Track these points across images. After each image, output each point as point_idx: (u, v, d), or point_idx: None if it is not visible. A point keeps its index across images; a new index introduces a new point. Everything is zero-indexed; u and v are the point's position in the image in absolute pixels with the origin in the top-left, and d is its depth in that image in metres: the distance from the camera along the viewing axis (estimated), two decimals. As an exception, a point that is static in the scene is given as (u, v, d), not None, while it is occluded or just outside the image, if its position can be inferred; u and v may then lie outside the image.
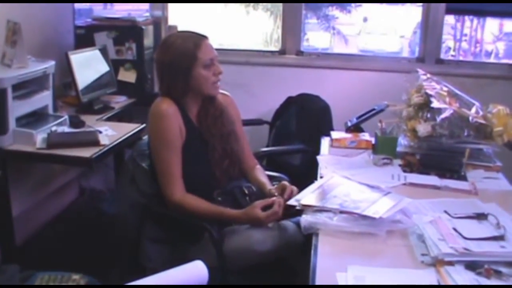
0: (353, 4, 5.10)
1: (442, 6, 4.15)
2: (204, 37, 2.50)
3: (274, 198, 2.35)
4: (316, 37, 5.24)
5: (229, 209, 2.39)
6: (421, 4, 4.29)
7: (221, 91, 2.64)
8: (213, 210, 2.39)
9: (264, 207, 2.31)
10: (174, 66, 2.45)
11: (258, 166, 2.74)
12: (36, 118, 3.24)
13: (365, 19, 5.47)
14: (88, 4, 4.65)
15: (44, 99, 3.29)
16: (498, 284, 1.63)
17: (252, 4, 5.19)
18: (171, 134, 2.44)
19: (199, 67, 2.44)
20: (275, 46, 4.68)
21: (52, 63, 3.30)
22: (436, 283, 1.65)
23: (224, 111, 2.61)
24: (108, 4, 4.85)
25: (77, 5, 4.32)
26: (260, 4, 5.20)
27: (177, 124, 2.45)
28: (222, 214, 2.38)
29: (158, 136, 2.47)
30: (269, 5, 5.08)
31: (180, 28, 4.31)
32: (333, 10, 5.19)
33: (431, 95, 2.70)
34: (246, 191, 2.54)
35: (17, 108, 3.02)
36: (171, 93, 2.48)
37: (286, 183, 2.47)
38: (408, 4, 5.14)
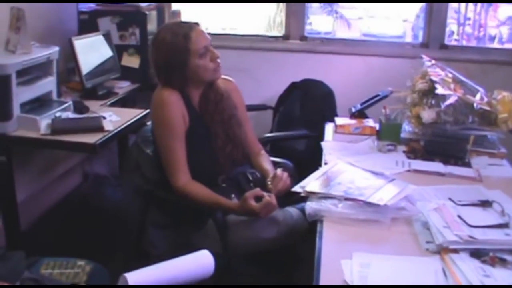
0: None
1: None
2: (193, 26, 2.47)
3: (259, 190, 2.34)
4: (319, 21, 5.22)
5: (227, 200, 2.38)
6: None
7: (224, 76, 2.64)
8: (212, 199, 2.39)
9: (256, 196, 2.29)
10: (169, 63, 2.44)
11: (263, 152, 2.73)
12: (40, 104, 3.24)
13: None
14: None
15: (48, 85, 3.29)
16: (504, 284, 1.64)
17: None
18: (175, 121, 2.44)
19: (194, 59, 2.42)
20: (278, 31, 4.66)
21: (56, 48, 3.30)
22: (440, 271, 1.65)
23: (225, 95, 2.60)
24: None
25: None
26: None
27: (180, 111, 2.45)
28: (220, 205, 2.37)
29: (162, 123, 2.47)
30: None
31: (183, 14, 4.30)
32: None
33: (435, 82, 2.69)
34: (250, 177, 2.54)
35: (21, 94, 3.02)
36: (171, 85, 2.48)
37: (277, 171, 2.45)
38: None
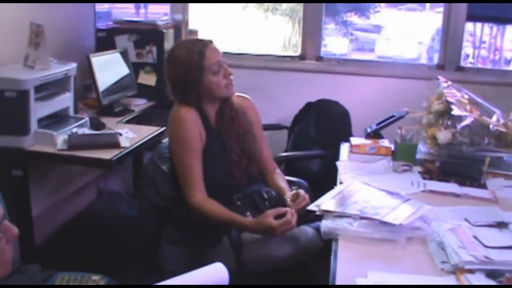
0: (371, 10, 5.10)
1: (463, 13, 4.14)
2: (208, 43, 2.51)
3: (287, 208, 2.33)
4: (334, 43, 5.23)
5: (242, 218, 2.38)
6: (441, 11, 4.28)
7: (240, 94, 2.68)
8: (226, 217, 2.39)
9: (277, 215, 2.29)
10: (184, 80, 2.48)
11: (278, 170, 2.74)
12: (57, 119, 3.28)
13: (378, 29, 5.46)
14: (107, 6, 4.69)
15: (65, 100, 3.32)
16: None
17: (270, 9, 5.20)
18: (191, 139, 2.46)
19: (208, 75, 2.46)
20: (294, 51, 4.68)
21: (74, 65, 3.34)
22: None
23: (240, 111, 2.62)
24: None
25: (97, 8, 4.36)
26: (279, 9, 5.20)
27: (197, 129, 2.47)
28: (235, 222, 2.37)
29: (179, 140, 2.49)
30: (287, 9, 5.09)
31: (200, 33, 4.33)
32: (351, 16, 5.18)
33: (451, 103, 2.69)
34: (266, 196, 2.54)
35: (39, 110, 3.05)
36: (187, 102, 2.50)
37: (301, 191, 2.46)
38: (427, 10, 5.13)
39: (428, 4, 5.12)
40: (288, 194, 2.49)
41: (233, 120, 2.58)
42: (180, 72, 2.48)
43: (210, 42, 2.53)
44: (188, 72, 2.46)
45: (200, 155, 2.47)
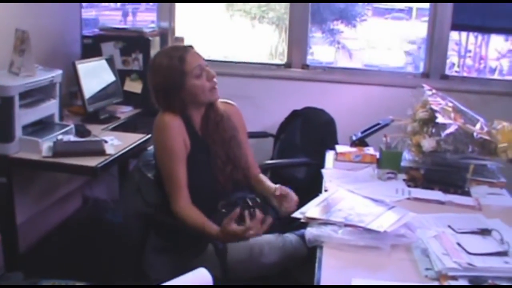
0: (358, 19, 5.12)
1: (448, 22, 4.17)
2: (188, 48, 2.53)
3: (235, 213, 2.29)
4: (320, 51, 5.25)
5: (211, 227, 2.33)
6: (426, 19, 4.31)
7: (226, 100, 2.69)
8: (198, 225, 2.36)
9: (237, 218, 2.25)
10: (167, 87, 2.49)
11: (262, 175, 2.74)
12: (42, 126, 3.26)
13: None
14: (94, 13, 4.68)
15: (50, 107, 3.31)
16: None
17: (257, 17, 5.21)
18: (175, 146, 2.46)
19: (191, 80, 2.46)
20: (280, 59, 4.69)
21: (59, 72, 3.33)
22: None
23: (225, 116, 2.63)
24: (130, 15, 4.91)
25: (84, 15, 4.35)
26: (266, 17, 5.22)
27: (181, 136, 2.48)
28: (204, 231, 2.34)
29: (163, 148, 2.50)
30: (274, 18, 5.11)
31: (186, 40, 4.34)
32: (338, 25, 5.20)
33: (436, 111, 2.71)
34: (250, 203, 2.53)
35: (23, 116, 3.04)
36: (171, 109, 2.50)
37: (288, 190, 2.45)
38: (413, 20, 5.17)
39: (414, 13, 5.16)
40: (277, 191, 2.46)
41: (218, 126, 2.59)
42: (163, 79, 2.48)
43: (190, 47, 2.55)
44: (171, 78, 2.46)
45: (184, 162, 2.47)
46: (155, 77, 2.53)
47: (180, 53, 2.49)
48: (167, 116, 2.49)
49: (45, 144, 3.05)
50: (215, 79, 2.52)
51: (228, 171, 2.55)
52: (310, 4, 4.39)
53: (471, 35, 5.14)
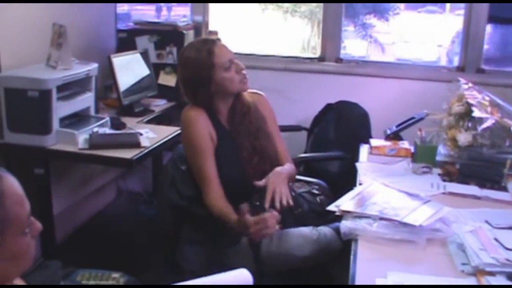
0: (390, 12, 5.09)
1: (484, 15, 4.11)
2: (216, 41, 2.55)
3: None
4: (353, 45, 5.23)
5: (232, 217, 2.33)
6: (461, 13, 4.26)
7: (254, 90, 2.69)
8: (222, 215, 2.38)
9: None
10: (195, 80, 2.50)
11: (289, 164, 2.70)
12: (78, 119, 3.31)
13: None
14: (127, 8, 4.72)
15: (86, 100, 3.36)
16: None
17: (290, 11, 5.20)
18: (201, 140, 2.49)
19: (220, 72, 2.47)
20: (312, 53, 4.68)
21: (95, 65, 3.37)
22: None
23: (252, 108, 2.63)
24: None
25: (118, 10, 4.39)
26: (298, 11, 5.21)
27: (207, 130, 2.50)
28: (226, 221, 2.36)
29: (189, 143, 2.53)
30: (306, 11, 5.10)
31: (220, 34, 4.35)
32: (370, 18, 5.17)
33: (472, 105, 2.68)
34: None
35: (60, 109, 3.08)
36: (198, 102, 2.52)
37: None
38: (447, 13, 5.11)
39: (448, 6, 5.11)
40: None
41: (244, 117, 2.59)
42: (192, 72, 2.50)
43: (218, 39, 2.57)
44: (199, 71, 2.48)
45: (211, 155, 2.49)
46: (184, 70, 2.55)
47: (208, 46, 2.50)
48: (192, 111, 2.51)
49: (81, 136, 3.09)
50: (244, 71, 2.53)
51: (254, 162, 2.56)
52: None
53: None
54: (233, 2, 4.70)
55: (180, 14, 4.71)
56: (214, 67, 2.46)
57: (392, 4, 4.95)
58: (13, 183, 1.31)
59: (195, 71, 2.48)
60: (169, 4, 4.88)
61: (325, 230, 2.41)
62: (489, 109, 2.69)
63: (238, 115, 2.59)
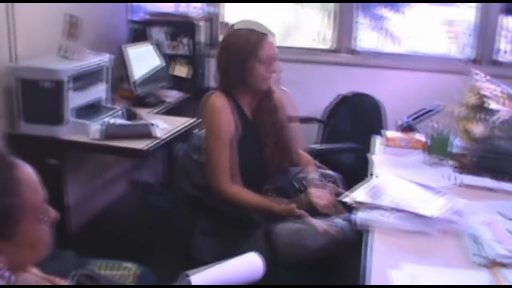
0: (405, 5, 5.05)
1: (498, 6, 4.08)
2: (266, 35, 2.53)
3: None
4: (367, 37, 5.20)
5: (276, 206, 2.42)
6: (474, 5, 4.23)
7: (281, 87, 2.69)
8: (260, 202, 2.44)
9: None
10: (233, 53, 2.50)
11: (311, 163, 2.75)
12: (91, 109, 3.32)
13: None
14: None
15: (100, 91, 3.37)
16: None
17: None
18: (221, 128, 2.49)
19: (255, 61, 2.47)
20: (324, 45, 4.66)
21: (108, 56, 3.37)
22: (493, 283, 1.63)
23: (279, 107, 2.63)
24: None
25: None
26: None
27: (229, 119, 2.50)
28: (269, 208, 2.42)
29: (210, 129, 2.53)
30: (319, 4, 5.07)
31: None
32: (383, 10, 5.14)
33: (487, 96, 2.66)
34: (297, 186, 2.56)
35: (74, 100, 3.09)
36: (225, 82, 2.53)
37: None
38: (461, 5, 5.07)
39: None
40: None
41: (271, 115, 2.61)
42: (233, 57, 2.50)
43: (272, 34, 2.56)
44: (242, 49, 2.48)
45: (228, 145, 2.49)
46: (226, 53, 2.54)
47: (258, 37, 2.50)
48: (219, 100, 2.51)
49: (95, 127, 3.10)
50: (273, 74, 2.53)
51: (276, 161, 2.59)
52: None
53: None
54: (249, 2, 4.67)
55: (194, 5, 4.70)
56: (256, 58, 2.47)
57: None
58: (28, 171, 1.32)
59: (238, 48, 2.49)
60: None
61: (340, 221, 2.41)
62: (506, 101, 2.66)
63: (265, 112, 2.61)
